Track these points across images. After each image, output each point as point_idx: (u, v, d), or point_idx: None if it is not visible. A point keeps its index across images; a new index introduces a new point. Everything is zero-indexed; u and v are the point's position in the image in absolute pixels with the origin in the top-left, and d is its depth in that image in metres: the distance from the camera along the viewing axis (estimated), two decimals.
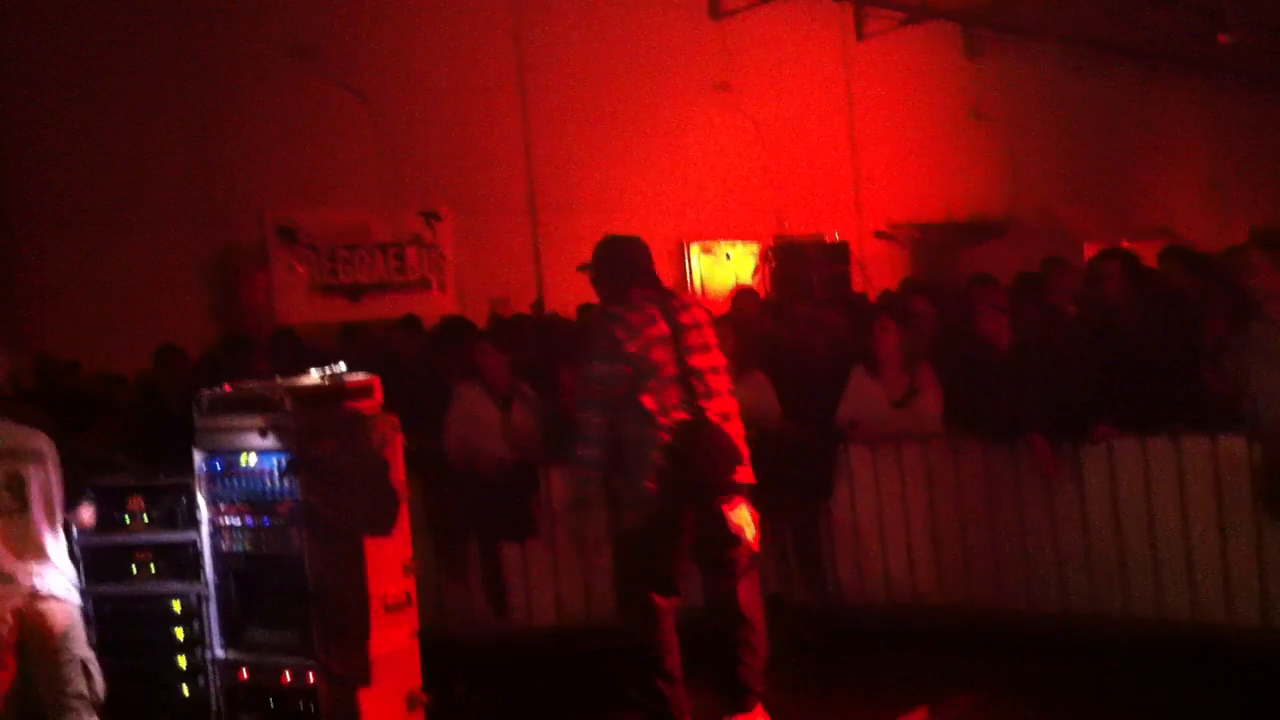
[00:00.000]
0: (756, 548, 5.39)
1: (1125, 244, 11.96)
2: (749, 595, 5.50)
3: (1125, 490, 6.80)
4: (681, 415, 5.39)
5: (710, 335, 5.60)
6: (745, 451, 5.48)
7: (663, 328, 5.48)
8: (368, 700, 5.26)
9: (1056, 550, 7.04)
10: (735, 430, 5.49)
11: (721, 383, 5.54)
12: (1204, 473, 6.55)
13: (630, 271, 5.69)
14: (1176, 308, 7.33)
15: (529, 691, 6.68)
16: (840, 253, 16.43)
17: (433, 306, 12.23)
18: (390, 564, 5.47)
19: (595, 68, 14.69)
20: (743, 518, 5.34)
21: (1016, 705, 5.84)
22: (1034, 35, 20.42)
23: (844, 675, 6.56)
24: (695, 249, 16.00)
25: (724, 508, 5.31)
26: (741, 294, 10.84)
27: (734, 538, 5.34)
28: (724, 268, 16.02)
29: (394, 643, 5.44)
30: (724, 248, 16.19)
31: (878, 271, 16.54)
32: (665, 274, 15.37)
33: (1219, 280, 7.80)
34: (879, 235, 18.02)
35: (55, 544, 5.03)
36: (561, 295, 12.92)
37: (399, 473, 5.50)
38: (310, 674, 5.17)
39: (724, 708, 5.43)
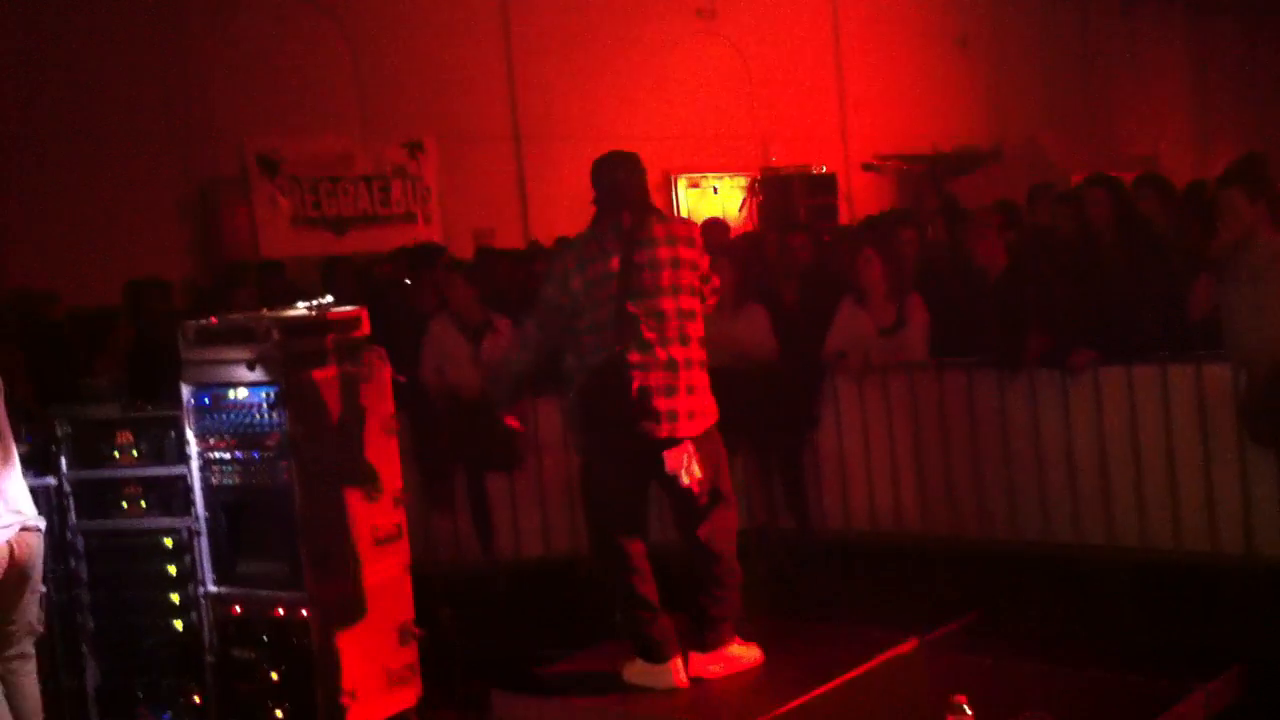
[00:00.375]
0: (696, 489, 5.05)
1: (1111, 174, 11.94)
2: (708, 532, 5.23)
3: (1110, 419, 6.84)
4: (600, 360, 5.08)
5: (684, 275, 5.12)
6: (698, 400, 5.09)
7: (612, 264, 5.12)
8: (359, 633, 5.28)
9: (1040, 479, 7.09)
10: (689, 378, 5.08)
11: (685, 328, 5.11)
12: (1188, 401, 6.59)
13: (609, 195, 5.30)
14: (1152, 236, 7.35)
15: (516, 620, 6.73)
16: (827, 184, 16.35)
17: (417, 239, 12.15)
18: (378, 496, 5.48)
19: None
20: (680, 462, 5.01)
21: (1005, 632, 5.88)
22: None
23: (830, 606, 6.62)
24: (682, 182, 15.92)
25: (663, 452, 5.02)
26: (709, 225, 10.83)
27: (673, 481, 5.05)
28: (711, 201, 15.95)
29: (385, 575, 5.46)
30: (711, 180, 16.11)
31: (864, 203, 16.51)
32: None
33: (1192, 210, 7.84)
34: (866, 168, 17.95)
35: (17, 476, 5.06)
36: (547, 226, 12.88)
37: (387, 404, 5.50)
38: (303, 608, 5.17)
39: (696, 643, 5.30)
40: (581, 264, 5.21)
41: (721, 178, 16.06)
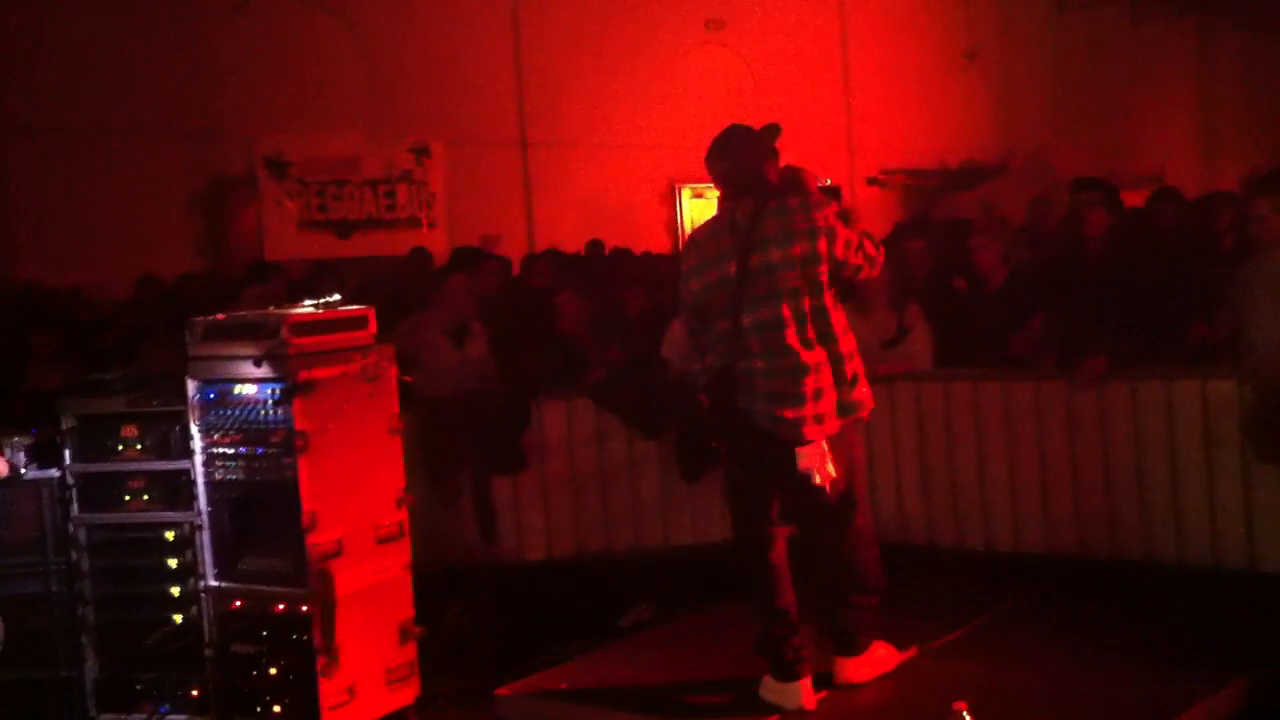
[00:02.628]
0: (829, 488, 4.98)
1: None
2: (835, 538, 5.20)
3: (1116, 433, 6.83)
4: (715, 361, 5.05)
5: (802, 275, 4.91)
6: (825, 403, 4.94)
7: (729, 270, 4.97)
8: (360, 630, 5.29)
9: (1044, 490, 7.08)
10: (817, 381, 4.91)
11: (807, 332, 4.92)
12: (1194, 416, 6.58)
13: (726, 181, 5.11)
14: (1163, 248, 7.36)
15: (521, 620, 6.74)
16: (832, 197, 16.30)
17: (423, 244, 12.16)
18: (383, 495, 5.50)
19: (589, 1, 14.55)
20: (814, 460, 4.92)
21: (1008, 641, 5.87)
22: None
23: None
24: (686, 192, 15.92)
25: (796, 449, 4.93)
26: None
27: (805, 480, 4.97)
28: (714, 211, 15.93)
29: (385, 573, 5.47)
30: (715, 191, 16.09)
31: (870, 217, 16.48)
32: (656, 217, 15.59)
33: (1210, 222, 7.86)
34: (871, 182, 17.96)
35: None
36: (552, 232, 12.90)
37: (393, 404, 5.52)
38: (304, 604, 5.18)
39: (842, 648, 5.33)
40: (701, 267, 5.14)
41: None
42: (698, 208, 15.91)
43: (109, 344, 8.58)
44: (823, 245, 4.97)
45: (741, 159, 5.16)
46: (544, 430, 7.78)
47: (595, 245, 11.58)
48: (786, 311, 4.92)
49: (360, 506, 5.39)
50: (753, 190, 5.09)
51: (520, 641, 6.36)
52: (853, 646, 5.31)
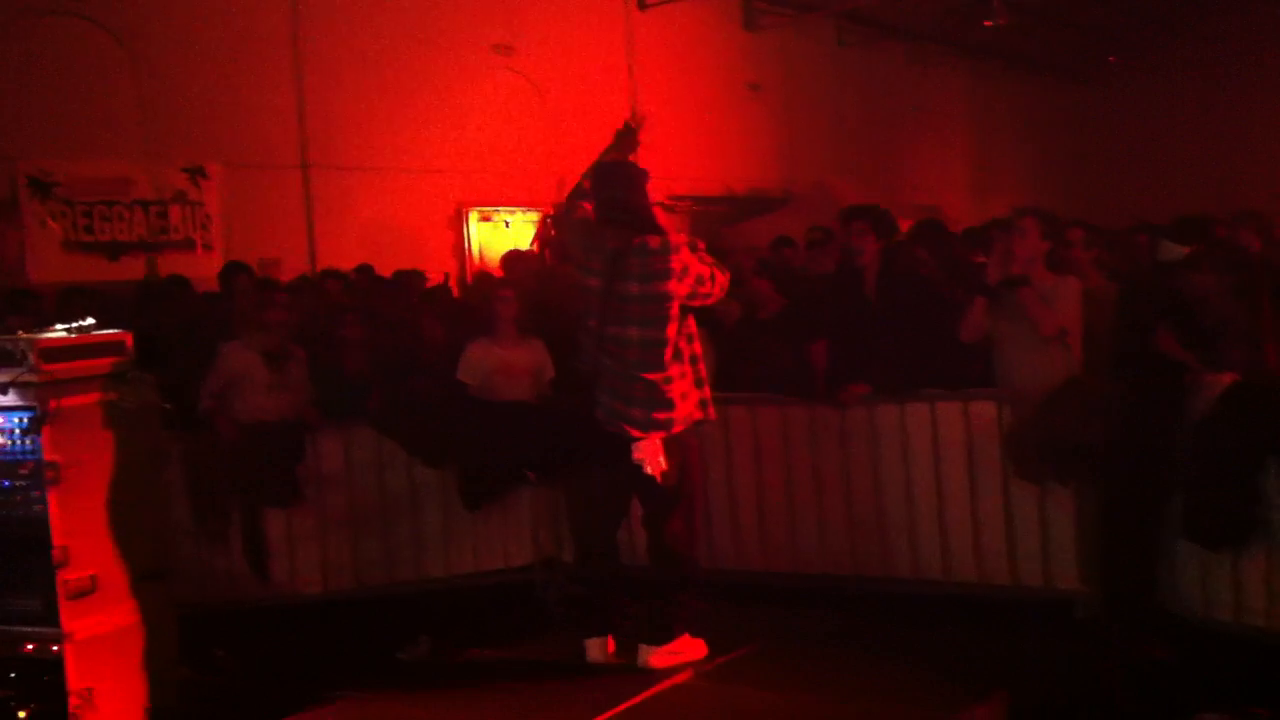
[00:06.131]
0: (660, 479, 5.73)
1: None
2: (658, 531, 5.95)
3: (885, 454, 7.02)
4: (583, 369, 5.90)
5: (654, 309, 5.69)
6: (660, 413, 5.73)
7: (597, 285, 5.78)
8: (117, 672, 5.05)
9: (820, 512, 7.23)
10: (651, 393, 5.71)
11: (647, 356, 5.70)
12: (957, 436, 6.81)
13: (601, 210, 5.94)
14: (923, 278, 7.62)
15: (294, 658, 6.52)
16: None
17: (198, 267, 11.76)
18: (144, 529, 5.27)
19: (373, 23, 14.30)
20: (645, 454, 5.69)
21: (783, 664, 5.94)
22: (810, 10, 20.86)
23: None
24: (474, 215, 15.81)
25: (633, 444, 5.70)
26: (512, 257, 10.85)
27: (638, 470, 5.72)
28: (503, 235, 15.86)
29: (146, 613, 5.24)
30: (503, 215, 16.04)
31: None
32: (443, 240, 15.42)
33: (970, 251, 8.17)
34: (659, 207, 18.10)
35: None
36: (335, 257, 12.63)
37: (152, 432, 5.30)
38: (54, 644, 4.91)
39: (652, 636, 5.90)
40: (582, 266, 5.93)
41: (514, 212, 16.02)
42: (485, 230, 15.82)
43: None
44: (673, 285, 5.71)
45: (622, 194, 5.96)
46: (321, 461, 7.59)
47: (364, 270, 11.31)
48: (634, 334, 5.69)
49: (118, 541, 5.15)
50: (624, 224, 5.83)
51: (292, 681, 6.14)
52: (660, 635, 5.86)
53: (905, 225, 10.50)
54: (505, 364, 7.90)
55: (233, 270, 9.66)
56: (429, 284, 11.24)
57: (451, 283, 13.40)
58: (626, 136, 6.39)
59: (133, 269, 11.88)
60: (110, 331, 5.27)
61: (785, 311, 7.93)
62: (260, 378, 7.58)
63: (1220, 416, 5.80)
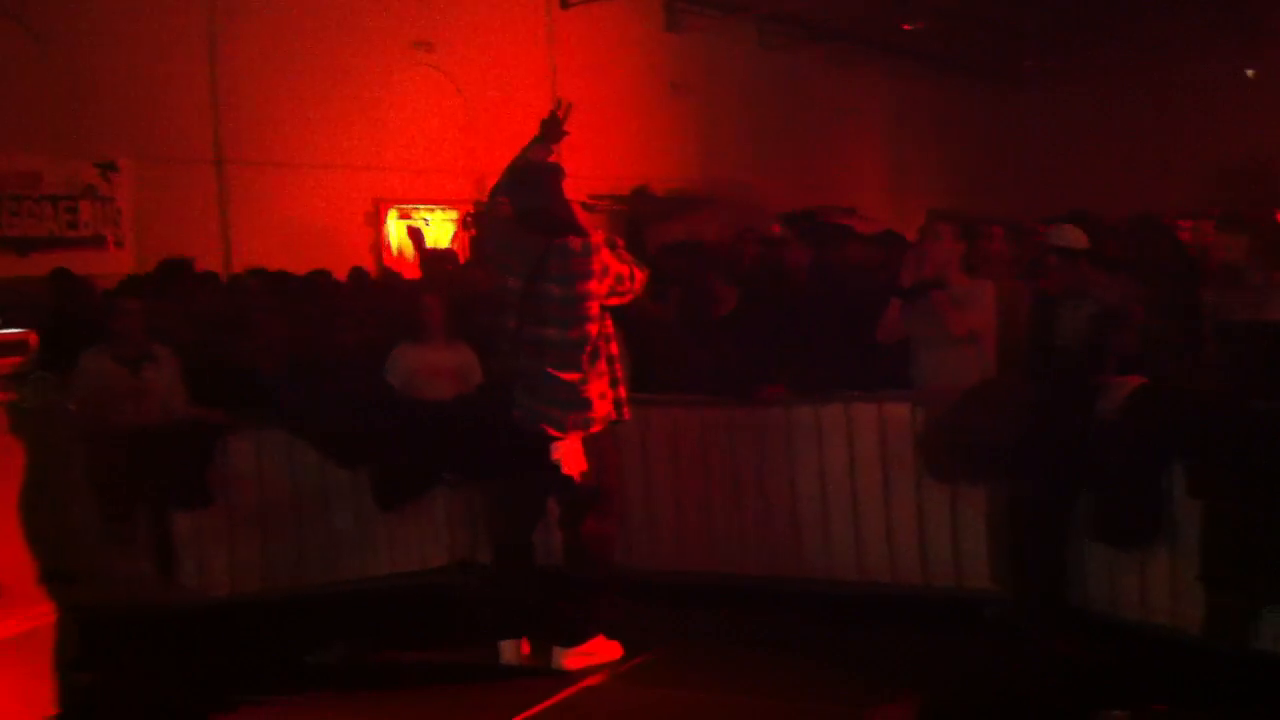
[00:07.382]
0: (578, 479, 5.80)
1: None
2: (572, 530, 6.03)
3: (801, 456, 7.04)
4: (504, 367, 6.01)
5: (573, 310, 5.75)
6: (578, 414, 5.80)
7: (517, 286, 5.83)
8: (13, 680, 4.91)
9: (737, 512, 7.23)
10: (568, 393, 5.77)
11: (567, 356, 5.76)
12: (871, 437, 6.84)
13: (522, 214, 6.00)
14: (847, 279, 7.66)
15: (200, 663, 6.40)
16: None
17: (109, 264, 11.57)
18: (45, 531, 5.13)
19: (291, 18, 14.16)
20: (562, 453, 5.76)
21: (692, 664, 5.95)
22: (732, 11, 20.95)
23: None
24: (393, 213, 15.71)
25: (551, 443, 5.76)
26: (431, 257, 10.77)
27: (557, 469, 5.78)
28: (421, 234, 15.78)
29: (46, 618, 5.11)
30: (422, 213, 15.95)
31: None
32: (360, 238, 15.28)
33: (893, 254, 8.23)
34: (579, 206, 18.08)
35: None
36: (248, 254, 12.48)
37: (55, 433, 5.18)
38: None
39: (566, 637, 5.94)
40: (502, 270, 5.97)
41: (434, 210, 15.93)
42: (403, 229, 15.71)
43: None
44: (593, 285, 5.78)
45: (536, 195, 6.01)
46: (231, 462, 7.45)
47: (257, 272, 10.99)
48: (554, 335, 5.75)
49: (17, 545, 5.01)
50: (542, 226, 5.88)
51: (197, 686, 6.03)
52: (575, 637, 5.90)
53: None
54: (430, 366, 7.86)
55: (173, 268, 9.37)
56: (340, 283, 11.07)
57: (373, 276, 13.27)
58: (553, 126, 6.37)
59: (43, 265, 11.64)
60: (12, 330, 5.14)
61: (739, 310, 7.89)
62: (119, 385, 7.40)
63: (1127, 418, 5.88)
